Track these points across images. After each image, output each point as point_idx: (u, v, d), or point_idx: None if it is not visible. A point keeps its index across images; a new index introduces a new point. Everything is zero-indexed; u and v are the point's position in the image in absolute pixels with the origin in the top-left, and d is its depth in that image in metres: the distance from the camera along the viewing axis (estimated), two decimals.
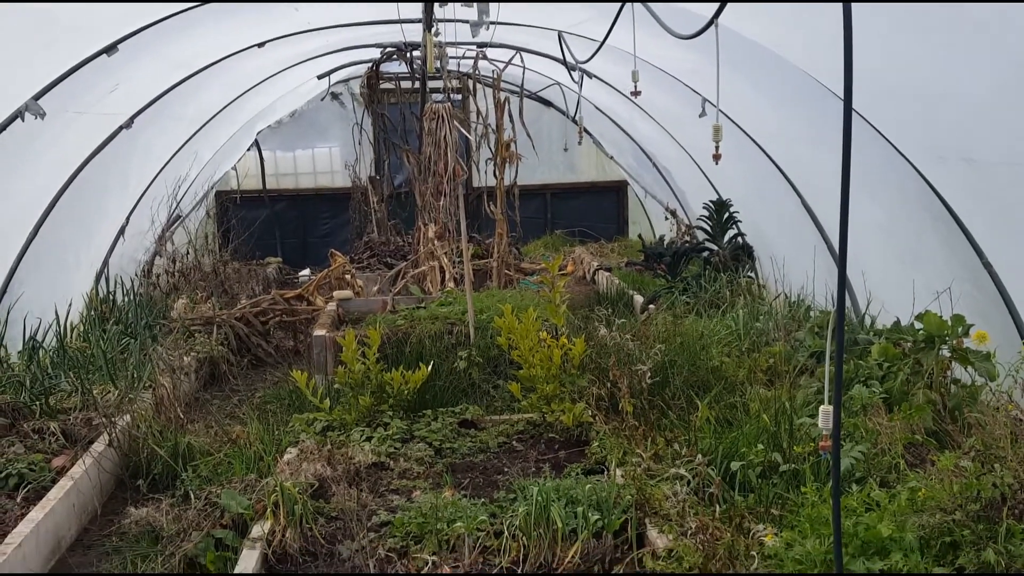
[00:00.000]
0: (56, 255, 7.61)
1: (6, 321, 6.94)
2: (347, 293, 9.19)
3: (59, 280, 7.84)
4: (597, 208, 14.68)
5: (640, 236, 11.82)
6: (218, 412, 6.67)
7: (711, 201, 9.40)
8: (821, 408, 3.13)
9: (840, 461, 3.09)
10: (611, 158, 14.02)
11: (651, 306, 8.56)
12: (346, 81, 13.50)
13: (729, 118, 7.61)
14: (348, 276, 9.83)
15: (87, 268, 8.73)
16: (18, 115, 5.51)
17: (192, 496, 4.79)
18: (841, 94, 2.85)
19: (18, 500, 4.83)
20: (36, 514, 4.53)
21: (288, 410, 6.52)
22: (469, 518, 4.43)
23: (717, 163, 4.81)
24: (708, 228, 9.42)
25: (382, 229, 12.31)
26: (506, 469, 5.41)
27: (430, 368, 6.31)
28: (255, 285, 10.91)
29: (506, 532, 4.30)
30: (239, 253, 11.79)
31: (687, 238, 11.14)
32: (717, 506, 4.25)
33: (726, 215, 9.29)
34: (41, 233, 7.28)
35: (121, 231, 9.15)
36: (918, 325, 5.18)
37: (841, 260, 2.89)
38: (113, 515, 5.05)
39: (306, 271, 12.65)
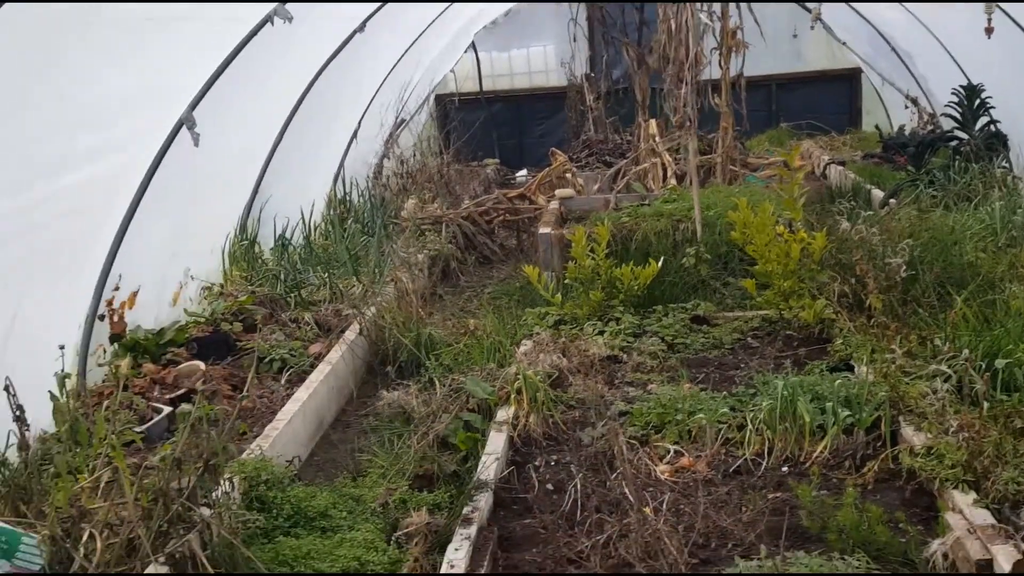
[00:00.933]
0: (298, 158, 8.04)
1: (259, 220, 7.48)
2: (569, 192, 9.19)
3: (301, 182, 8.31)
4: (826, 99, 13.78)
5: (877, 127, 11.02)
6: (451, 306, 6.92)
7: (961, 86, 8.58)
8: None
9: None
10: (843, 44, 13.03)
11: (892, 200, 7.99)
12: None
13: None
14: (569, 175, 9.81)
15: (325, 170, 9.22)
16: (268, 20, 5.76)
17: (436, 382, 5.03)
18: None
19: (282, 382, 5.27)
20: (301, 394, 4.92)
21: (518, 305, 6.67)
22: (710, 410, 4.40)
23: (990, 37, 4.34)
24: (957, 116, 8.62)
25: (599, 127, 12.15)
26: (742, 365, 5.31)
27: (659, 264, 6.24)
28: (476, 186, 11.15)
29: (749, 425, 4.24)
30: (460, 155, 12.05)
31: (930, 127, 10.28)
32: (984, 403, 3.97)
33: (978, 101, 8.45)
34: (285, 136, 7.71)
35: (354, 134, 9.55)
36: None
37: None
38: (366, 398, 5.41)
39: (523, 171, 12.75)
